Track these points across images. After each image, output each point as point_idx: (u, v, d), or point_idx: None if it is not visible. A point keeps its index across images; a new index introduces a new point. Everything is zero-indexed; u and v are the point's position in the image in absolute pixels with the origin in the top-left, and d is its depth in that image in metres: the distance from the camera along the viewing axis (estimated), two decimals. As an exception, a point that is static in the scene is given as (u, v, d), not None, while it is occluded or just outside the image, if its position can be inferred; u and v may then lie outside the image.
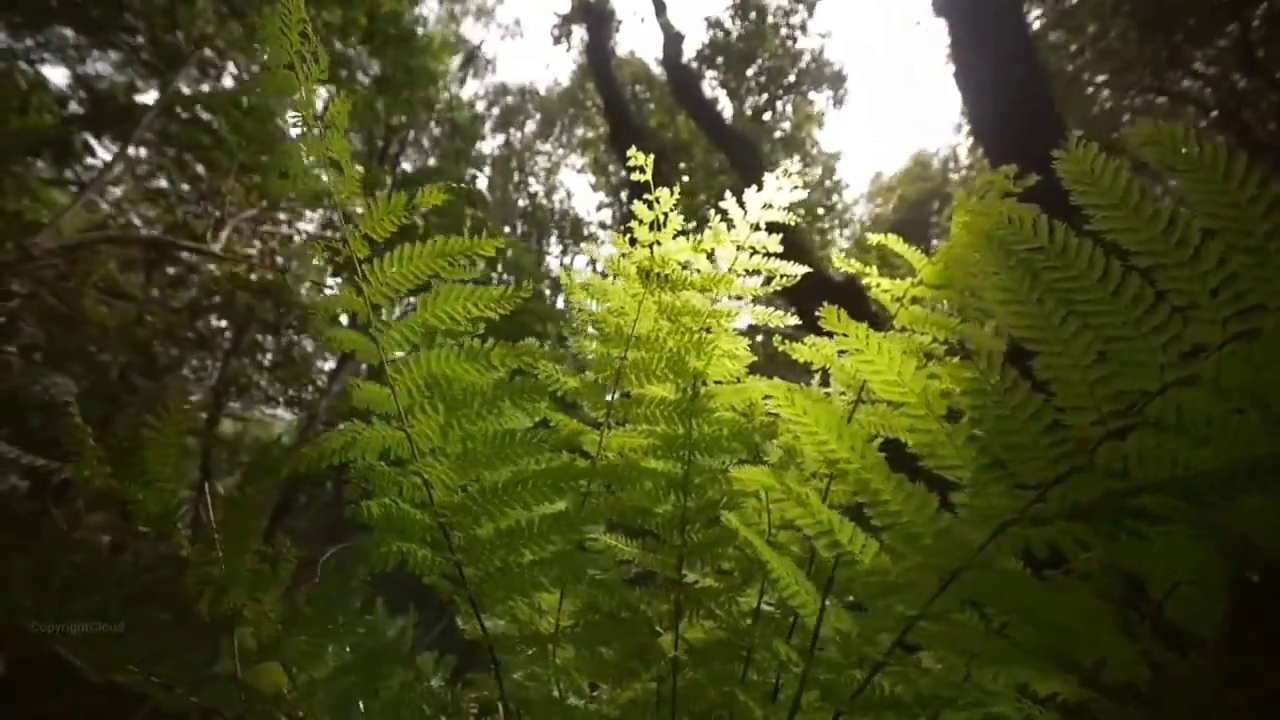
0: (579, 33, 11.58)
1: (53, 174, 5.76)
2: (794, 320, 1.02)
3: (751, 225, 0.99)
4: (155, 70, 5.81)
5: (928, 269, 0.87)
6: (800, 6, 10.97)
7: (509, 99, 15.94)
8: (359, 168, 0.81)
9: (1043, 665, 0.63)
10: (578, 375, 1.03)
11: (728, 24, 10.91)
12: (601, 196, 14.27)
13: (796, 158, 12.03)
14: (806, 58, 11.45)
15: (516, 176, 15.76)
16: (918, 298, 0.90)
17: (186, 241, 5.13)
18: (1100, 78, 9.36)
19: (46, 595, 0.82)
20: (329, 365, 7.57)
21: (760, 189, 1.00)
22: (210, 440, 6.63)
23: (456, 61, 10.85)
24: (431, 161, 10.96)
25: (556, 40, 11.99)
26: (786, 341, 0.99)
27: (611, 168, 13.27)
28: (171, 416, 0.81)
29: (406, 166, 10.48)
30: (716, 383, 1.00)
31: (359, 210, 0.82)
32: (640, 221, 0.97)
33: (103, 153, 5.72)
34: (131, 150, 5.74)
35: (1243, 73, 7.97)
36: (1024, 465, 0.55)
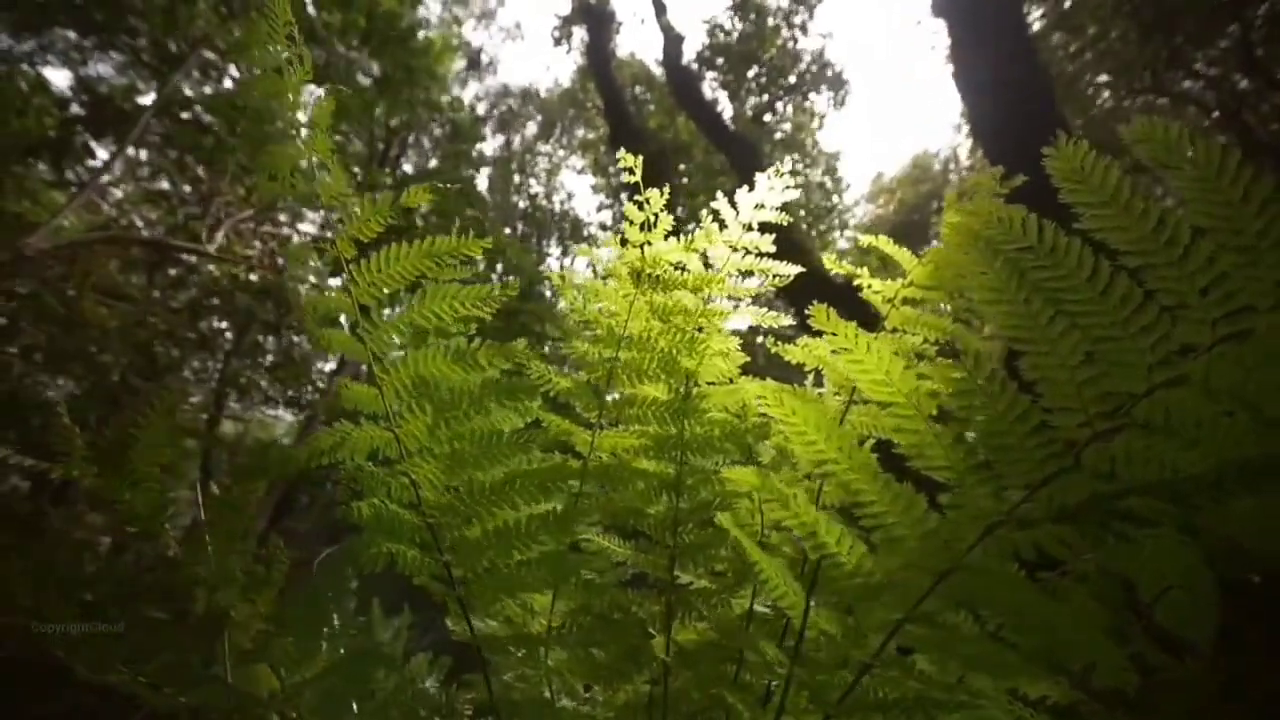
0: (579, 34, 11.61)
1: (53, 176, 5.77)
2: (794, 321, 1.02)
3: (744, 225, 0.99)
4: (157, 72, 5.82)
5: (917, 270, 0.87)
6: (800, 7, 10.98)
7: (511, 101, 15.97)
8: (357, 169, 0.81)
9: (1033, 668, 0.63)
10: (570, 375, 1.03)
11: (728, 25, 10.92)
12: (602, 198, 14.29)
13: (796, 158, 12.03)
14: (807, 59, 11.45)
15: (517, 178, 15.77)
16: (909, 299, 0.89)
17: (186, 243, 5.14)
18: (1101, 79, 9.36)
19: (46, 595, 0.82)
20: (329, 366, 7.58)
21: (753, 189, 0.99)
22: (211, 441, 6.64)
23: (458, 64, 10.87)
24: (433, 163, 10.97)
25: (557, 42, 12.02)
26: (779, 343, 0.99)
27: (612, 169, 13.28)
28: (159, 415, 0.81)
29: (408, 168, 10.50)
30: (709, 383, 1.00)
31: (357, 210, 0.82)
32: (631, 222, 0.97)
33: (103, 154, 5.73)
34: (133, 152, 5.76)
35: (1243, 74, 7.95)
36: (1011, 466, 0.55)
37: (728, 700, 0.76)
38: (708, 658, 0.90)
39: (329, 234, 0.81)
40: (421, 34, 7.71)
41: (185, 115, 5.97)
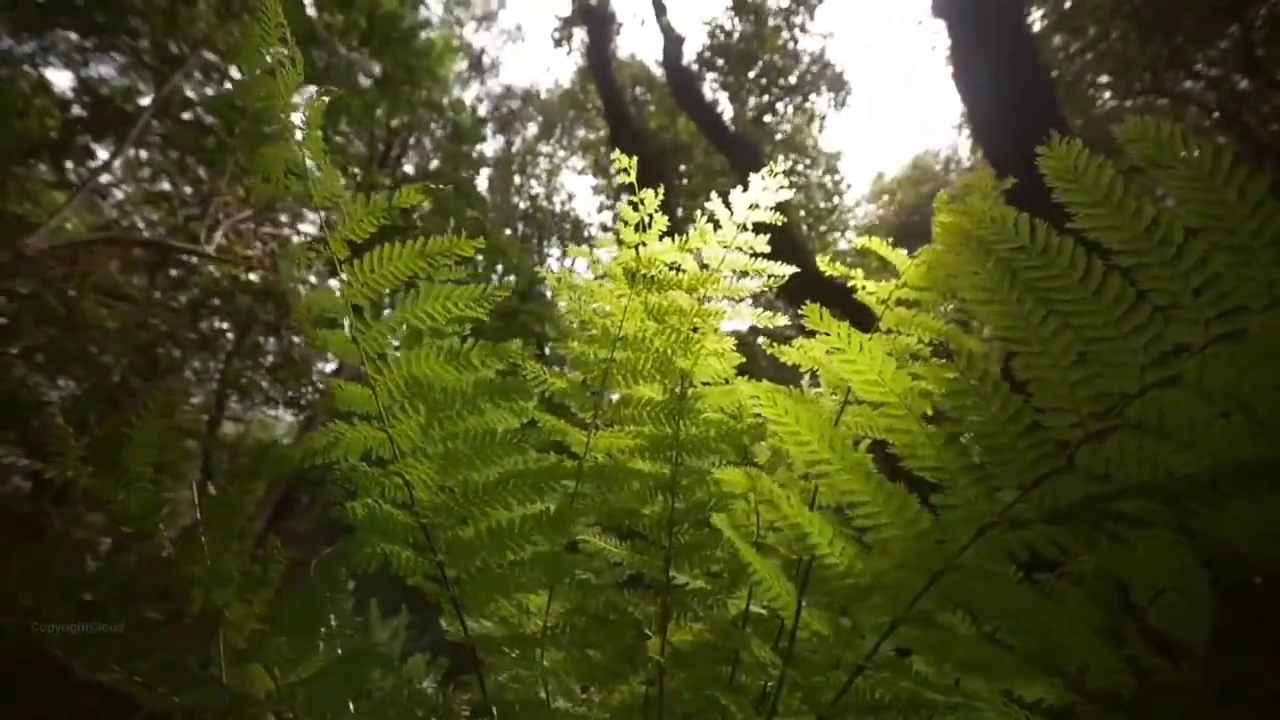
0: (579, 35, 11.61)
1: (54, 177, 5.78)
2: (793, 322, 1.02)
3: (738, 225, 0.98)
4: (158, 74, 5.83)
5: (911, 271, 0.87)
6: (800, 8, 10.97)
7: (511, 103, 15.98)
8: (357, 170, 0.81)
9: (1028, 670, 0.62)
10: (566, 376, 1.02)
11: (728, 26, 10.92)
12: (602, 199, 14.30)
13: (796, 159, 12.02)
14: (807, 59, 11.45)
15: (517, 179, 15.78)
16: (903, 300, 0.89)
17: (187, 244, 5.15)
18: (1101, 79, 9.35)
19: (46, 595, 0.82)
20: (330, 367, 7.59)
21: (748, 189, 0.99)
22: (211, 442, 6.65)
23: (459, 65, 10.88)
24: (434, 164, 10.98)
25: (557, 43, 12.02)
26: (775, 344, 0.98)
27: (612, 170, 13.26)
28: (153, 415, 0.81)
29: (408, 169, 10.50)
30: (704, 384, 1.00)
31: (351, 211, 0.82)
32: (626, 223, 0.97)
33: (104, 155, 5.74)
34: (134, 153, 5.77)
35: (1244, 74, 7.94)
36: (1004, 467, 0.55)
37: (722, 702, 0.75)
38: (703, 659, 0.90)
39: (328, 234, 0.81)
40: (423, 35, 7.72)
41: (186, 116, 5.98)
